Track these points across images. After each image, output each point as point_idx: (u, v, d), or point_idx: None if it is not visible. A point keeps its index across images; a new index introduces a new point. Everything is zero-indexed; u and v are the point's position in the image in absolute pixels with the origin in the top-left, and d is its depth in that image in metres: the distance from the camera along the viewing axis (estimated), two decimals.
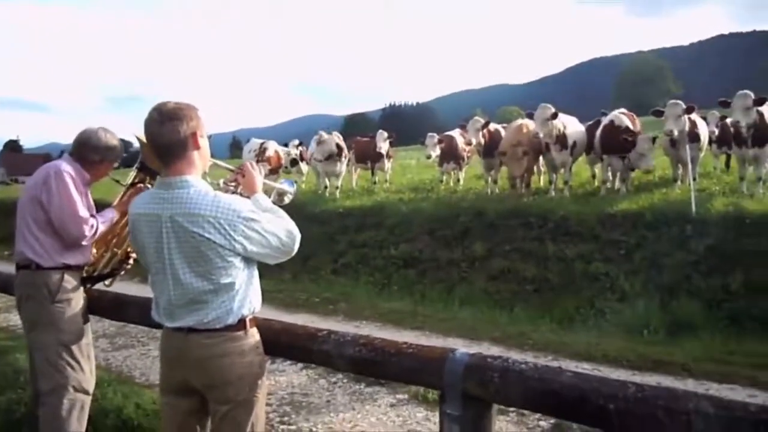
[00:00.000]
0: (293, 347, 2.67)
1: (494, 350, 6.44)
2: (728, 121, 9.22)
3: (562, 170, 11.00)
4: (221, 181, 2.72)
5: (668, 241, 7.88)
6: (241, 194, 2.62)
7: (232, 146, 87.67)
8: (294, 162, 15.79)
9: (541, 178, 12.84)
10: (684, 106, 9.73)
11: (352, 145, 16.56)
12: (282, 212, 2.58)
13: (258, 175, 2.71)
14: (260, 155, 14.85)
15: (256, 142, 15.83)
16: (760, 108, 8.89)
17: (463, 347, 6.48)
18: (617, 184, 10.83)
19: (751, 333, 6.37)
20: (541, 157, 11.58)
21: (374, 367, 2.40)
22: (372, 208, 11.56)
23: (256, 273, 2.51)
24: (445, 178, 14.43)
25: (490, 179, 12.69)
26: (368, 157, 15.52)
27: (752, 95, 8.75)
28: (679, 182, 10.32)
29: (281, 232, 2.44)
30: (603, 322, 7.15)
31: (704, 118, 11.35)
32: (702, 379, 5.36)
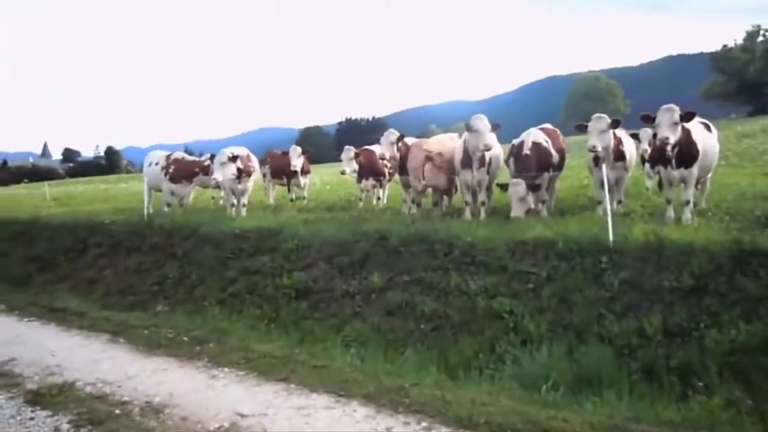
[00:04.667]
0: None
1: (362, 412, 5.25)
2: (657, 137, 8.26)
3: (477, 189, 9.96)
4: None
5: (581, 274, 6.81)
6: None
7: None
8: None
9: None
10: (609, 120, 8.81)
11: (267, 159, 15.31)
12: None
13: None
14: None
15: (160, 155, 14.40)
16: (686, 124, 7.99)
17: (324, 410, 5.29)
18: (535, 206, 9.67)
19: (668, 390, 5.32)
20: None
21: None
22: (270, 230, 10.27)
23: None
24: (364, 195, 13.31)
25: (408, 198, 11.62)
26: (284, 173, 14.29)
27: (678, 110, 7.82)
28: (605, 204, 9.34)
29: None
30: (501, 372, 6.03)
31: (635, 136, 10.49)
32: None
